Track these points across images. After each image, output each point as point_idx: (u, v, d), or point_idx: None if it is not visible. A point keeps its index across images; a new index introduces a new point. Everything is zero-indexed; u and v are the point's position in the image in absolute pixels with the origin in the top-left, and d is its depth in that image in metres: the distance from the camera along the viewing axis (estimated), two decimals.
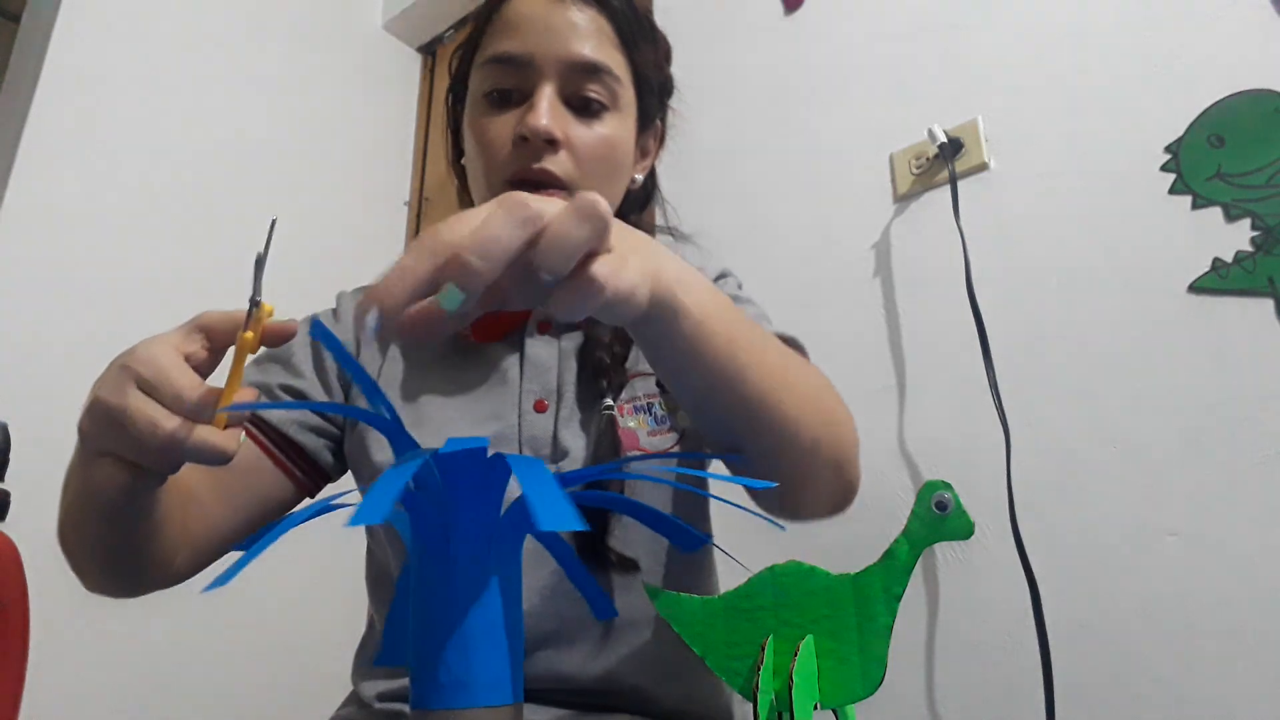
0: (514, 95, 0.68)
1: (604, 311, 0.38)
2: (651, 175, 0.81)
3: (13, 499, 0.57)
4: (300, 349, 0.74)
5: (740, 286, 0.81)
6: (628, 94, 0.71)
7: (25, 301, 1.34)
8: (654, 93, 0.76)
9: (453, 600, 0.35)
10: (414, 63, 2.18)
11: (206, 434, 0.42)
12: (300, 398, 0.71)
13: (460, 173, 0.79)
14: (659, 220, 0.86)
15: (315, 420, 0.72)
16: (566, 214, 0.34)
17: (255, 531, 0.68)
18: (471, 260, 0.33)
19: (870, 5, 1.33)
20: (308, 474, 0.72)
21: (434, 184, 2.00)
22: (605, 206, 0.35)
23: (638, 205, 0.80)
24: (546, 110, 0.65)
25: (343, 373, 0.74)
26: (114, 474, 0.45)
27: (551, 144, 0.65)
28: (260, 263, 0.42)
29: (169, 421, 0.41)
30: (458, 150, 0.78)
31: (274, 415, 0.70)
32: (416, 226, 1.99)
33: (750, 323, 0.51)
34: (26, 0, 1.57)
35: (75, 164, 1.45)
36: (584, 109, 0.68)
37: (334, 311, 0.79)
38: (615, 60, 0.69)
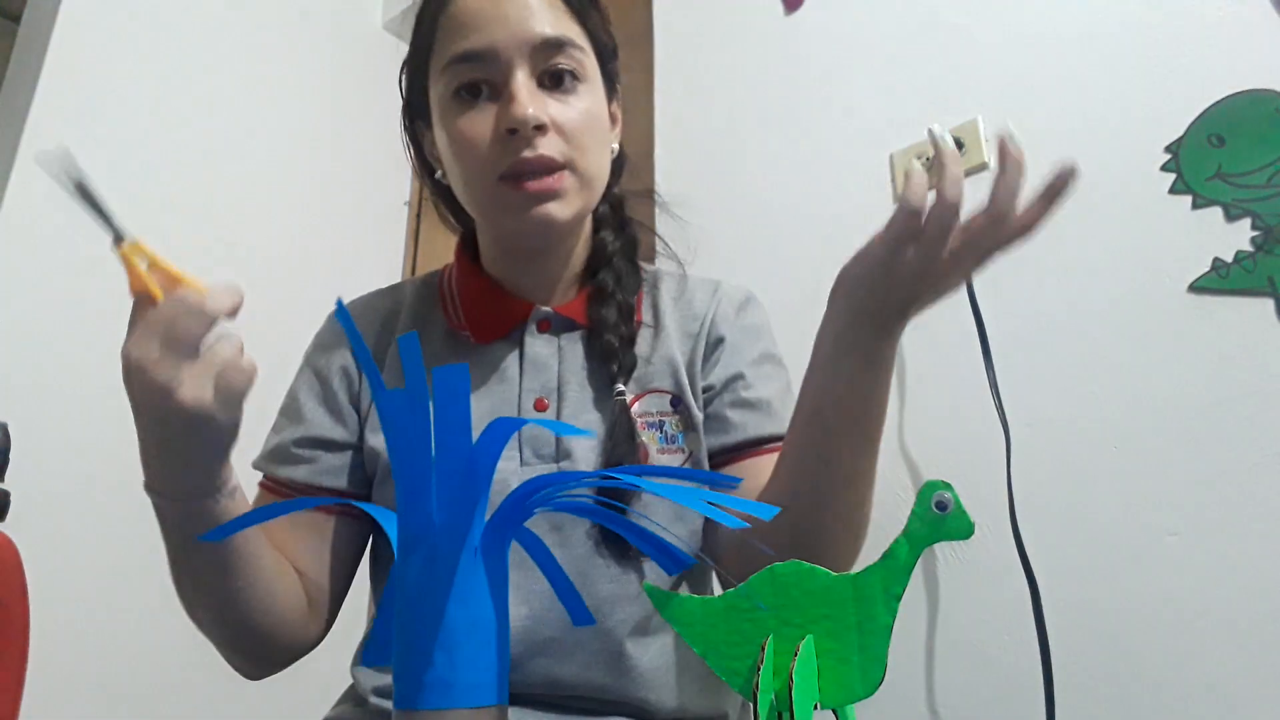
0: (484, 88, 0.67)
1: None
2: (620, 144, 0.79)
3: (13, 499, 0.56)
4: (304, 389, 0.75)
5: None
6: (591, 63, 0.71)
7: (25, 301, 1.34)
8: (611, 57, 0.76)
9: (438, 599, 0.35)
10: None
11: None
12: (317, 446, 0.72)
13: (438, 188, 0.77)
14: (659, 246, 0.85)
15: (334, 460, 0.73)
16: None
17: (352, 579, 0.75)
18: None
19: (870, 5, 1.33)
20: (358, 498, 0.72)
21: None
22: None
23: (617, 174, 0.79)
24: (527, 98, 0.64)
25: (352, 390, 0.74)
26: (203, 510, 0.54)
27: (540, 129, 0.65)
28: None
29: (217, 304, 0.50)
30: (427, 166, 0.77)
31: (299, 477, 0.72)
32: (416, 226, 1.99)
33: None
34: (26, 0, 1.57)
35: None
36: (557, 84, 0.68)
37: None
38: (574, 31, 0.69)
